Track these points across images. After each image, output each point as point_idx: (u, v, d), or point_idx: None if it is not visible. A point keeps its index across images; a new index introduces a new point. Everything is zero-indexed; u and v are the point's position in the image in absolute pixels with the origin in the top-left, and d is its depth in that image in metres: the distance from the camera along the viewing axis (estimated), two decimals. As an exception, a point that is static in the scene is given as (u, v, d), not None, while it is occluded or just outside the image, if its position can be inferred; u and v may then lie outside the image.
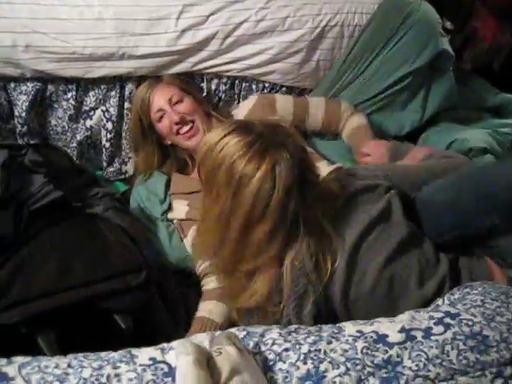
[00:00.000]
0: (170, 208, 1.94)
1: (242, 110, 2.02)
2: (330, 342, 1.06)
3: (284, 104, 1.99)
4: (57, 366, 1.03)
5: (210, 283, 1.67)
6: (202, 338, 1.10)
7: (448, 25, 2.19)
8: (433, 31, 1.99)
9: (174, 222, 1.91)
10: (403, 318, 1.12)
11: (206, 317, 1.60)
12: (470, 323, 1.07)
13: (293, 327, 1.14)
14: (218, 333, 1.11)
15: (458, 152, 2.08)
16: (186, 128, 1.91)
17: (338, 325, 1.13)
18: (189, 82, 2.04)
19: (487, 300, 1.13)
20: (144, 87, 1.96)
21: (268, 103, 1.99)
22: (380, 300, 1.31)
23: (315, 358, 1.04)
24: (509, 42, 2.57)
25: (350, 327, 1.11)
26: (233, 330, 1.13)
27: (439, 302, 1.21)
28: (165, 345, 1.08)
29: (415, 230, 1.39)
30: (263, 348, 1.07)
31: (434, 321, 1.09)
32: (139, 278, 1.50)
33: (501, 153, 2.16)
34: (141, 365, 1.02)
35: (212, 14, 1.95)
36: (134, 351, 1.06)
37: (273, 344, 1.07)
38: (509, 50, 2.58)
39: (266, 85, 2.09)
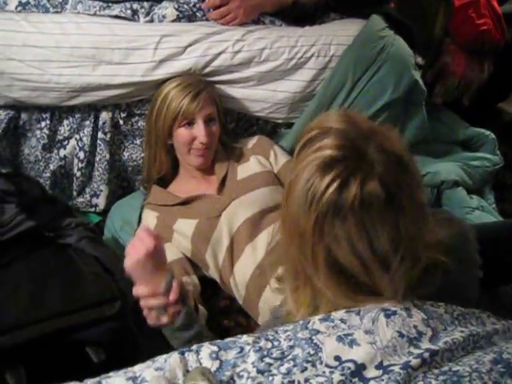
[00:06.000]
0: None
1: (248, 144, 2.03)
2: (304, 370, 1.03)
3: (279, 155, 1.99)
4: None
5: None
6: (176, 372, 1.07)
7: (419, 60, 2.23)
8: (407, 64, 2.03)
9: None
10: None
11: None
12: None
13: (268, 344, 1.10)
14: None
15: (430, 184, 2.12)
16: (202, 149, 1.87)
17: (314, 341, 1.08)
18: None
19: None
20: (181, 87, 1.86)
21: (268, 145, 2.00)
22: None
23: None
24: (477, 77, 2.65)
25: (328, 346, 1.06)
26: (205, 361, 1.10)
27: None
28: (136, 372, 1.03)
29: None
30: (238, 382, 1.05)
31: None
32: (113, 308, 1.47)
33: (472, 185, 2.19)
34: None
35: (190, 45, 1.94)
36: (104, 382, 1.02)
37: (248, 378, 1.05)
38: (477, 86, 2.66)
39: (241, 116, 2.10)
